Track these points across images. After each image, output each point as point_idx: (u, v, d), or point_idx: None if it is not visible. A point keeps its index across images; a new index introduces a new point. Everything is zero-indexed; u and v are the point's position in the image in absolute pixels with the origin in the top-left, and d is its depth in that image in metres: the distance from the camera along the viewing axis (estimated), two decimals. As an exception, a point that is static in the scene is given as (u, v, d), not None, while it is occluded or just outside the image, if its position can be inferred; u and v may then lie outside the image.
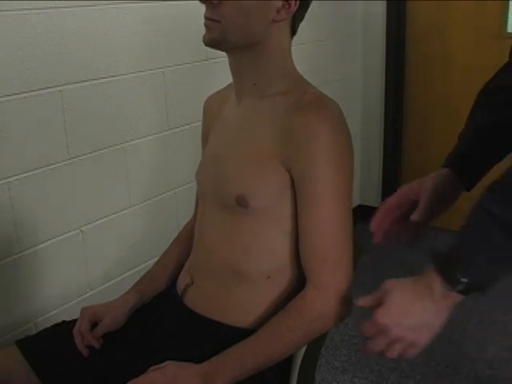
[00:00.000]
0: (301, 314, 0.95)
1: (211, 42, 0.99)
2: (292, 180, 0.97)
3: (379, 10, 2.87)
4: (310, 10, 1.03)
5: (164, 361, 1.05)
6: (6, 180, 1.49)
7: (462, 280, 0.77)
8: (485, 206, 0.78)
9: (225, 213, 1.04)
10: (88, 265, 1.74)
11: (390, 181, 3.09)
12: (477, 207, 0.79)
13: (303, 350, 1.01)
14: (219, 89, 1.22)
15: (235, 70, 1.05)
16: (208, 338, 1.04)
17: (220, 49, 1.01)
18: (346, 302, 0.96)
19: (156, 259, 1.27)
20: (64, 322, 1.19)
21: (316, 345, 1.04)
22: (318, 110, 0.96)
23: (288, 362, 1.05)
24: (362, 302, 0.87)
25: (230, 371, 0.94)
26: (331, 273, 0.95)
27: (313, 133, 0.93)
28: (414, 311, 0.82)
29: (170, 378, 0.94)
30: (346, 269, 0.96)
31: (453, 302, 0.80)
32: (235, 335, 1.03)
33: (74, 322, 1.15)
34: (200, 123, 1.26)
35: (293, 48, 1.05)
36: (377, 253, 1.80)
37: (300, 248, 0.99)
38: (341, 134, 0.96)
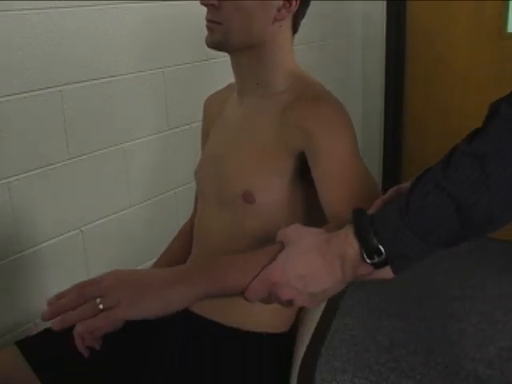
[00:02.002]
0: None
1: (214, 44, 0.99)
2: (299, 170, 0.97)
3: (379, 10, 2.87)
4: (309, 10, 1.03)
5: (164, 361, 1.05)
6: (6, 180, 1.49)
7: (381, 249, 0.66)
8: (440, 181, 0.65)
9: (227, 212, 1.04)
10: (88, 265, 1.74)
11: (390, 180, 3.09)
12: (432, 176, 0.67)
13: (303, 349, 1.01)
14: (219, 89, 1.22)
15: (238, 71, 1.05)
16: (208, 339, 1.04)
17: (223, 50, 1.01)
18: None
19: (156, 259, 1.27)
20: (64, 322, 1.19)
21: (316, 344, 1.04)
22: (318, 99, 0.97)
23: (288, 361, 1.05)
24: None
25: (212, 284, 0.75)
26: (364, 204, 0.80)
27: (312, 114, 0.93)
28: (319, 281, 0.70)
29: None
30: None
31: (360, 274, 0.70)
32: (235, 336, 1.03)
33: (74, 322, 1.14)
34: (200, 123, 1.26)
35: (293, 48, 1.05)
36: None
37: (322, 203, 0.90)
38: (342, 115, 0.95)
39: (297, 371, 1.02)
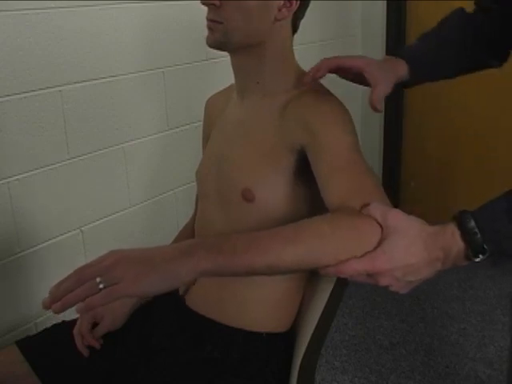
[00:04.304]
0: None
1: (215, 44, 0.99)
2: (299, 167, 0.97)
3: (379, 9, 2.87)
4: (310, 10, 1.04)
5: (164, 361, 1.05)
6: (6, 180, 1.49)
7: (485, 248, 0.70)
8: None
9: (228, 212, 1.04)
10: (88, 265, 1.74)
11: (390, 181, 3.09)
12: None
13: (303, 349, 1.01)
14: (220, 89, 1.22)
15: (238, 70, 1.05)
16: (208, 339, 1.04)
17: (224, 50, 1.01)
18: None
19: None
20: (64, 321, 1.19)
21: (316, 344, 1.04)
22: (318, 96, 0.98)
23: (288, 361, 1.05)
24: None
25: (212, 260, 0.72)
26: (367, 199, 0.82)
27: (314, 109, 0.94)
28: (419, 272, 0.74)
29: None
30: (383, 195, 0.85)
31: (458, 265, 0.75)
32: (236, 336, 1.03)
33: (73, 321, 1.15)
34: (200, 123, 1.26)
35: (293, 48, 1.05)
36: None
37: (326, 196, 0.89)
38: (343, 110, 0.96)
39: (297, 371, 1.02)
